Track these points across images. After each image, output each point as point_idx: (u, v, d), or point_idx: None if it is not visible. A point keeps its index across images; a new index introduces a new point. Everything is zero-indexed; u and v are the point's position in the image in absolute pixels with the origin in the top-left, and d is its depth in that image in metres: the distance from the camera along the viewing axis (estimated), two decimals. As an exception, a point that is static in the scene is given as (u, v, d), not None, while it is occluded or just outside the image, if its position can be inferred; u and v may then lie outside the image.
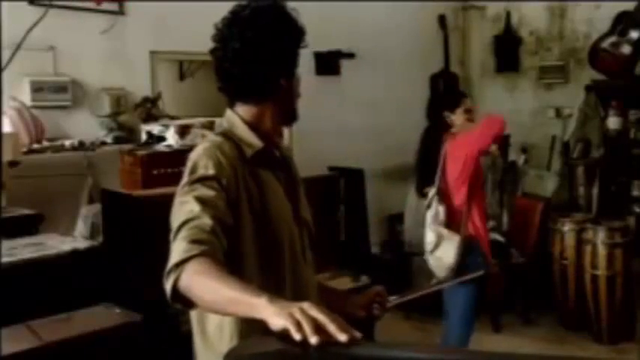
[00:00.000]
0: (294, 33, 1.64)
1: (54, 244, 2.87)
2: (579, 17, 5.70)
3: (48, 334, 2.29)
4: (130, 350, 2.40)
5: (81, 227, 3.33)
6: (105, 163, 3.62)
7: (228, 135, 1.63)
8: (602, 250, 4.41)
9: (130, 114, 4.02)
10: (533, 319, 4.85)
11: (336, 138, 5.08)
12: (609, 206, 5.02)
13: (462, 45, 6.43)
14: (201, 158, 1.54)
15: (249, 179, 1.58)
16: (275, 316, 1.14)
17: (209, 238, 1.39)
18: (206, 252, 1.36)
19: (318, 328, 1.09)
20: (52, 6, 3.68)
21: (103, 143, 3.83)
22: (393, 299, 1.89)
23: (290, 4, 1.65)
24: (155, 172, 3.10)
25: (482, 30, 6.32)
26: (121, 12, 4.05)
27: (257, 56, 1.58)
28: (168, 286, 1.34)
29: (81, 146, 3.66)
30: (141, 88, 4.14)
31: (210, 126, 3.19)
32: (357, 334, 1.09)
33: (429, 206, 3.49)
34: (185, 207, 1.45)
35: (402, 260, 5.08)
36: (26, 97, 3.66)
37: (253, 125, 1.65)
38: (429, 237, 3.46)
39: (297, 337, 1.08)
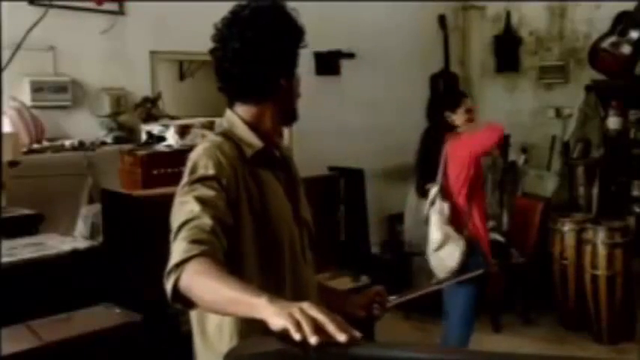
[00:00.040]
0: (294, 33, 1.64)
1: (54, 244, 2.87)
2: (579, 17, 5.70)
3: (48, 334, 2.29)
4: (130, 350, 2.40)
5: (81, 227, 3.33)
6: (105, 163, 3.62)
7: (228, 135, 1.63)
8: (602, 250, 4.41)
9: (130, 114, 4.02)
10: (533, 319, 4.85)
11: (336, 138, 5.08)
12: (609, 206, 5.02)
13: (462, 45, 6.43)
14: (201, 158, 1.54)
15: (249, 179, 1.58)
16: (275, 316, 1.14)
17: (209, 238, 1.39)
18: (206, 252, 1.36)
19: (318, 328, 1.09)
20: (52, 6, 3.68)
21: (103, 143, 3.83)
22: (393, 299, 1.89)
23: (290, 4, 1.65)
24: (155, 172, 3.10)
25: (483, 30, 6.32)
26: (121, 12, 4.05)
27: (257, 56, 1.58)
28: (168, 286, 1.34)
29: (81, 146, 3.66)
30: (141, 88, 4.14)
31: (210, 126, 3.19)
32: (357, 334, 1.09)
33: (432, 203, 3.48)
34: (185, 207, 1.45)
35: (402, 260, 5.09)
36: (26, 97, 3.66)
37: (253, 125, 1.65)
38: (435, 235, 3.44)
39: (296, 337, 1.08)
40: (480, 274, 2.92)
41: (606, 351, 4.35)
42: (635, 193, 5.07)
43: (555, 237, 4.71)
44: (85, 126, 3.89)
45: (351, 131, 5.23)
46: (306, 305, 1.13)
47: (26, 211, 3.21)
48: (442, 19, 6.13)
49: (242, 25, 1.58)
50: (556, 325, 4.74)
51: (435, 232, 3.44)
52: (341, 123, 5.18)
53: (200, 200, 1.45)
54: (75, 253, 2.79)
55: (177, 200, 1.50)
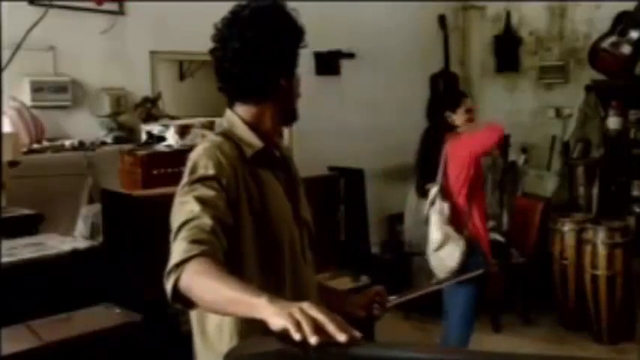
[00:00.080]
0: (293, 33, 1.64)
1: (54, 244, 2.87)
2: (579, 17, 5.70)
3: (48, 334, 2.29)
4: (130, 350, 2.40)
5: (81, 227, 3.33)
6: (105, 163, 3.62)
7: (228, 135, 1.63)
8: (602, 250, 4.41)
9: (130, 114, 4.02)
10: (533, 319, 4.85)
11: (336, 138, 5.08)
12: (609, 206, 5.02)
13: (462, 45, 6.43)
14: (201, 158, 1.54)
15: (249, 179, 1.58)
16: (275, 316, 1.14)
17: (209, 238, 1.39)
18: (206, 252, 1.36)
19: (318, 328, 1.09)
20: (52, 6, 3.68)
21: (103, 143, 3.83)
22: (393, 299, 1.89)
23: (290, 4, 1.65)
24: (155, 172, 3.10)
25: (483, 30, 6.32)
26: (121, 12, 4.05)
27: (257, 56, 1.58)
28: (168, 286, 1.34)
29: (81, 146, 3.66)
30: (141, 88, 4.14)
31: (210, 126, 3.19)
32: (357, 334, 1.09)
33: (432, 203, 3.48)
34: (185, 207, 1.45)
35: (402, 260, 5.09)
36: (26, 97, 3.66)
37: (253, 125, 1.65)
38: (435, 235, 3.43)
39: (296, 337, 1.08)
40: (479, 274, 2.92)
41: (606, 351, 4.35)
42: (635, 193, 5.07)
43: (555, 237, 4.71)
44: (85, 126, 3.89)
45: (351, 131, 5.23)
46: (306, 305, 1.13)
47: (26, 211, 3.21)
48: (442, 19, 6.13)
49: (242, 25, 1.58)
50: (556, 325, 4.74)
51: (435, 232, 3.44)
52: (341, 123, 5.18)
53: (200, 200, 1.45)
54: (75, 253, 2.79)
55: (177, 200, 1.50)
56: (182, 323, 2.43)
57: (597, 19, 5.46)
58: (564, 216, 4.81)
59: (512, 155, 5.53)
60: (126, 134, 3.93)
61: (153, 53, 4.26)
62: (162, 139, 3.31)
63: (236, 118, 1.66)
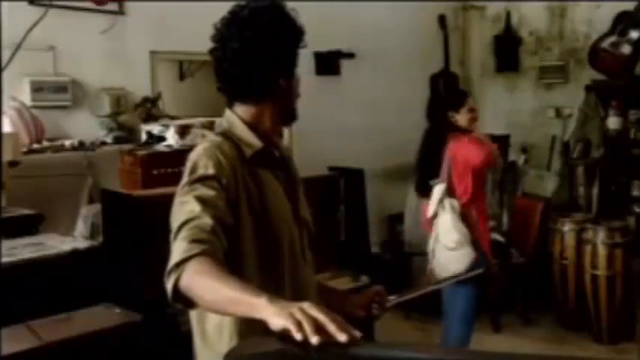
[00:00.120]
0: (293, 33, 1.64)
1: (54, 244, 2.87)
2: (579, 17, 5.70)
3: (48, 334, 2.28)
4: (130, 350, 2.39)
5: (81, 227, 3.33)
6: (105, 163, 3.62)
7: (227, 135, 1.63)
8: (602, 250, 4.41)
9: (130, 114, 4.02)
10: (533, 319, 4.85)
11: (336, 138, 5.08)
12: (609, 206, 5.02)
13: (462, 45, 6.43)
14: (201, 158, 1.54)
15: (248, 179, 1.58)
16: (275, 316, 1.14)
17: (209, 238, 1.39)
18: (206, 252, 1.36)
19: (319, 327, 1.09)
20: (52, 6, 3.68)
21: (103, 143, 3.84)
22: (393, 299, 1.89)
23: (289, 4, 1.65)
24: (155, 172, 3.10)
25: (483, 30, 6.32)
26: (121, 12, 4.05)
27: (256, 56, 1.58)
28: (169, 285, 1.34)
29: (81, 146, 3.66)
30: (141, 88, 4.14)
31: (210, 126, 3.19)
32: (357, 334, 1.09)
33: (441, 201, 3.44)
34: (185, 207, 1.45)
35: (402, 260, 5.09)
36: (26, 97, 3.66)
37: (252, 125, 1.65)
38: (452, 234, 3.37)
39: (297, 337, 1.08)
40: (479, 274, 2.91)
41: (606, 351, 4.35)
42: (635, 193, 5.07)
43: (555, 237, 4.71)
44: (85, 126, 3.89)
45: (351, 131, 5.23)
46: (306, 305, 1.13)
47: (26, 211, 3.21)
48: (442, 19, 6.13)
49: (241, 25, 1.58)
50: (556, 325, 4.74)
51: (452, 230, 3.37)
52: (341, 123, 5.18)
53: (200, 200, 1.45)
54: (75, 253, 2.79)
55: (177, 200, 1.50)
56: (182, 323, 2.43)
57: (597, 19, 5.46)
58: (564, 216, 4.81)
59: (512, 155, 5.54)
60: (126, 134, 3.93)
61: (153, 53, 4.26)
62: (162, 139, 3.31)
63: (235, 118, 1.66)
